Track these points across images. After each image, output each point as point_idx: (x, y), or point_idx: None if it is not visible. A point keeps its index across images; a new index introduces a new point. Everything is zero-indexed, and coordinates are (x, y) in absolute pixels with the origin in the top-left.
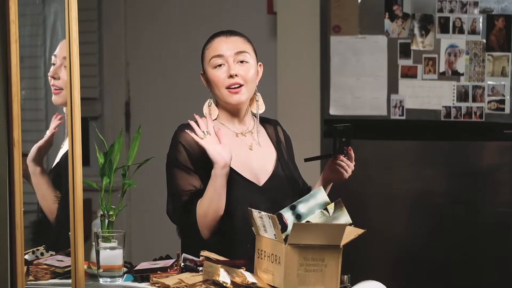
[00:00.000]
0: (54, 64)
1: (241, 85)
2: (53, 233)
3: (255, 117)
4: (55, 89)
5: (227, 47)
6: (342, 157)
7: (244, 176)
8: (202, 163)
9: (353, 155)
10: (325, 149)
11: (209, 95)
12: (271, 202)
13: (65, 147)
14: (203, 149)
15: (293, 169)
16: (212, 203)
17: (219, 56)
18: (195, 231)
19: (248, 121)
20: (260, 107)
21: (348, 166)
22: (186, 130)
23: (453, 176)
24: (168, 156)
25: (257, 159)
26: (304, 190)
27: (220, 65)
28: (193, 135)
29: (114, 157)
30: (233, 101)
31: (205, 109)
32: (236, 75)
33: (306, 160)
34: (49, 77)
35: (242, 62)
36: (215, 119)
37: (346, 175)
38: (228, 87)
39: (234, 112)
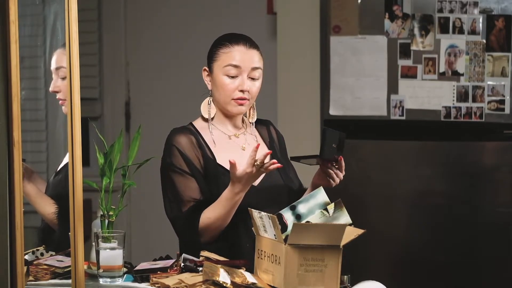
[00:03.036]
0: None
1: (246, 99)
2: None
3: (249, 120)
4: (61, 101)
5: (245, 59)
6: (330, 165)
7: None
8: (197, 166)
9: (343, 164)
10: None
11: (209, 92)
12: (267, 201)
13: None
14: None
15: (287, 168)
16: (221, 218)
17: (236, 66)
18: (196, 238)
19: (240, 123)
20: (253, 116)
21: (336, 175)
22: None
23: (453, 176)
24: (163, 160)
25: None
26: (301, 191)
27: (234, 77)
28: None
29: (114, 157)
30: (235, 111)
31: (204, 107)
32: (246, 91)
33: (292, 158)
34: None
35: (253, 79)
36: (213, 117)
37: (333, 184)
38: (234, 99)
39: (229, 115)
